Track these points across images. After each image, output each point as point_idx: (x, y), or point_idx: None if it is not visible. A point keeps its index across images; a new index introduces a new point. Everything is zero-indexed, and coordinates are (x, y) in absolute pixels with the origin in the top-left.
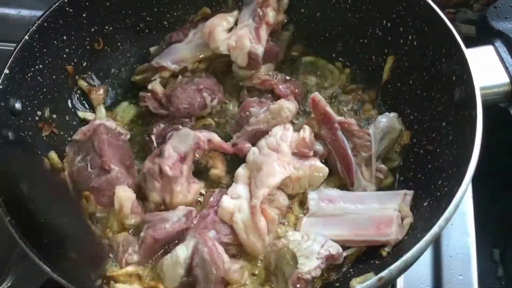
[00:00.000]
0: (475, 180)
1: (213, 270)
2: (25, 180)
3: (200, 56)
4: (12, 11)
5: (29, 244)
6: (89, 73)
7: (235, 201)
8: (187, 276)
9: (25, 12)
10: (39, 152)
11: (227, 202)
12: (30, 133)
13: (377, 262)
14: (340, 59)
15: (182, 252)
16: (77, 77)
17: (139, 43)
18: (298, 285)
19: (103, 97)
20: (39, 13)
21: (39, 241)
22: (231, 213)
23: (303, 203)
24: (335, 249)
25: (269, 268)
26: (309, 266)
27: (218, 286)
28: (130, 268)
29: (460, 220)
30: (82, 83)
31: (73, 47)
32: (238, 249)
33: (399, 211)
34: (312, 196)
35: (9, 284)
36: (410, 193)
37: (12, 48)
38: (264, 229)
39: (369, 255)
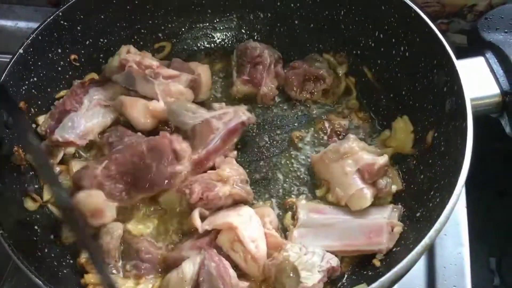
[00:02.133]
0: (469, 189)
1: (220, 285)
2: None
3: (108, 123)
4: (9, 23)
5: (21, 257)
6: None
7: None
8: None
9: (22, 24)
10: None
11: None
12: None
13: (370, 273)
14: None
15: (188, 268)
16: None
17: None
18: None
19: None
20: (36, 25)
21: (32, 254)
22: (231, 242)
23: (294, 216)
24: (335, 261)
25: (268, 280)
26: (313, 280)
27: None
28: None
29: (454, 230)
30: None
31: (68, 60)
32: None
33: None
34: (302, 207)
35: None
36: (398, 208)
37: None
38: (264, 259)
39: (362, 266)
